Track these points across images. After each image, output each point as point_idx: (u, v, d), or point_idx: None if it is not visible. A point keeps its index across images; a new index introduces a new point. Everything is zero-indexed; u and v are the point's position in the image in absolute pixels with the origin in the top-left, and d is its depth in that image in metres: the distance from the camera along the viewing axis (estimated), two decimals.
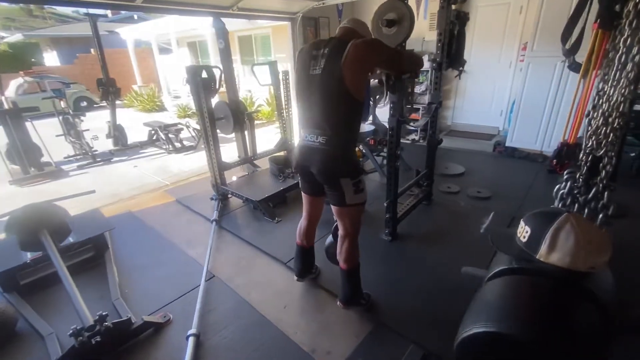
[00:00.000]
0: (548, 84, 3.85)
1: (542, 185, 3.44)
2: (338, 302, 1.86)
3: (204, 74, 3.05)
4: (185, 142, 5.52)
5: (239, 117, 3.52)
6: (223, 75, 3.31)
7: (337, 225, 1.95)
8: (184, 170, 4.48)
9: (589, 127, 1.48)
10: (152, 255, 2.52)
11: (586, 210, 1.58)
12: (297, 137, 1.59)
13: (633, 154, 3.40)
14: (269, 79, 3.74)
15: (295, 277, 2.07)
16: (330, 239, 2.01)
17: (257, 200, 2.96)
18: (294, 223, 2.87)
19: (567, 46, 1.58)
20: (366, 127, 3.33)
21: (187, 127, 5.60)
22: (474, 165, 4.00)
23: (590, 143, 1.47)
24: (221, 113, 3.46)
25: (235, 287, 2.13)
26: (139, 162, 5.00)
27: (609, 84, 1.36)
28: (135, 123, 7.63)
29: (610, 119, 1.40)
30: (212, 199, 3.32)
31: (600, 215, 1.54)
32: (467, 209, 2.98)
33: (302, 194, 1.85)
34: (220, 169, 3.28)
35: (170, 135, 5.42)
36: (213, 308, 1.95)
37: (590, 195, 1.54)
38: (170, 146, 5.37)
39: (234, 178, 3.69)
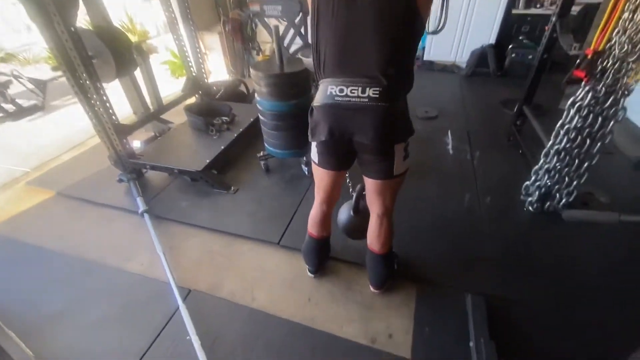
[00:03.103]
0: None
1: (471, 95, 3.62)
2: (372, 288, 1.57)
3: None
4: (20, 102, 3.68)
5: (124, 54, 2.36)
6: None
7: (358, 197, 1.54)
8: (44, 145, 3.03)
9: (623, 32, 1.37)
10: (68, 289, 1.65)
11: (599, 120, 1.58)
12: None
13: (530, 57, 3.83)
14: None
15: (311, 274, 1.66)
16: (347, 212, 1.61)
17: (199, 170, 2.20)
18: (255, 189, 2.30)
19: None
20: None
21: (17, 77, 3.68)
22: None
23: (625, 48, 1.37)
24: (89, 50, 2.24)
25: (229, 296, 1.59)
26: None
27: None
28: None
29: None
30: (120, 180, 2.33)
31: (612, 122, 1.56)
32: (425, 132, 2.91)
33: (320, 170, 1.31)
34: (119, 135, 2.25)
35: None
36: (216, 337, 1.41)
37: (608, 104, 1.53)
38: None
39: (138, 144, 2.67)
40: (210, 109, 2.86)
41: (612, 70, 1.44)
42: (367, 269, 1.55)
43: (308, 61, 2.31)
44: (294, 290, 1.61)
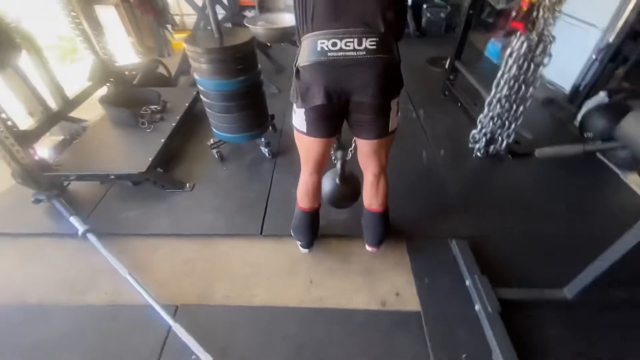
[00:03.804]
0: None
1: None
2: (369, 247, 1.59)
3: None
4: None
5: None
6: None
7: (344, 165, 1.51)
8: None
9: None
10: (18, 343, 1.31)
11: (532, 67, 1.79)
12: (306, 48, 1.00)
13: (442, 15, 4.12)
14: None
15: (306, 249, 1.61)
16: (331, 182, 1.57)
17: (143, 172, 1.88)
18: (215, 181, 2.08)
19: None
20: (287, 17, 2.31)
21: None
22: None
23: None
24: None
25: (225, 301, 1.45)
26: None
27: None
28: None
29: None
30: (37, 201, 1.87)
31: (541, 68, 1.79)
32: None
33: (309, 140, 1.22)
34: (23, 144, 1.78)
35: None
36: (226, 347, 1.29)
37: (539, 51, 1.73)
38: None
39: (46, 152, 2.15)
40: (134, 98, 2.43)
41: (543, 20, 1.62)
42: (365, 229, 1.56)
43: (255, 30, 2.09)
44: (292, 276, 1.55)
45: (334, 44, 0.95)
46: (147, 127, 2.24)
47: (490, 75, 1.95)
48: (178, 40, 3.64)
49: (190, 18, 4.32)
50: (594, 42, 2.56)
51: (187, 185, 2.03)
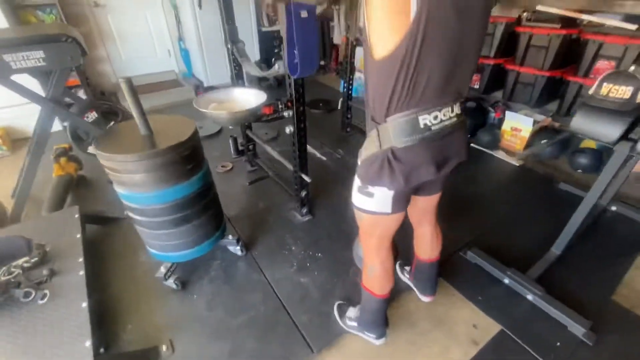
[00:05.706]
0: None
1: None
2: (428, 298, 1.57)
3: None
4: None
5: None
6: None
7: None
8: None
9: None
10: None
11: None
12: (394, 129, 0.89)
13: None
14: None
15: (383, 340, 1.40)
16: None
17: None
18: (195, 321, 1.55)
19: None
20: (253, 94, 1.80)
21: None
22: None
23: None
24: None
25: None
26: None
27: None
28: None
29: None
30: None
31: None
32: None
33: (392, 218, 1.07)
34: None
35: None
36: None
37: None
38: None
39: None
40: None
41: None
42: (421, 282, 1.55)
43: (219, 115, 1.63)
44: None
45: (436, 117, 0.90)
46: (36, 297, 1.38)
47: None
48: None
49: (3, 112, 2.99)
50: None
51: (163, 347, 1.37)
